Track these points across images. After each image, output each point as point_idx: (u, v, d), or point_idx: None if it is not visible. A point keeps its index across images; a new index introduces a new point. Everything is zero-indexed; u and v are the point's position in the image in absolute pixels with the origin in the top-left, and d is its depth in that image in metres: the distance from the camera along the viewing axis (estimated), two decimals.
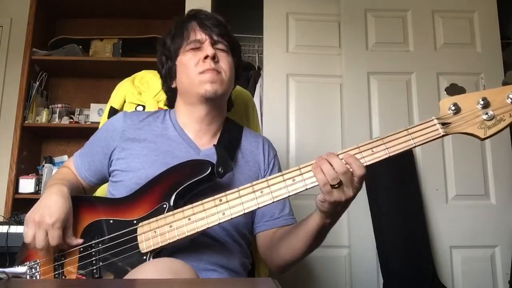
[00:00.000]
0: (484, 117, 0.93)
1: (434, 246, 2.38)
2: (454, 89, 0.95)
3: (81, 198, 1.13)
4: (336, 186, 0.91)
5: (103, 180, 1.26)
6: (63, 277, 1.03)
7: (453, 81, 2.46)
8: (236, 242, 1.16)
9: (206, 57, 1.15)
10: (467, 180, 2.46)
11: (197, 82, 1.16)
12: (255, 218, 1.21)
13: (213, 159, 1.10)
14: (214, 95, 1.15)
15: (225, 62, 1.19)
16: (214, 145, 1.18)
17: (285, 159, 2.46)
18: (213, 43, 1.18)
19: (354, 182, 0.92)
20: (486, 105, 0.93)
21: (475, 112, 0.93)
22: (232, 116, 1.40)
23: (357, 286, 2.38)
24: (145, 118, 1.24)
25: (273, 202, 0.96)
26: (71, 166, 1.27)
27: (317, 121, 2.57)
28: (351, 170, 0.92)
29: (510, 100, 0.92)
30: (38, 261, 1.06)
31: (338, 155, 0.94)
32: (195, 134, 1.21)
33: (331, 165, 0.92)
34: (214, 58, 1.16)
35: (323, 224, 1.00)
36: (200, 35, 1.18)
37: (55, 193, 1.06)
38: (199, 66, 1.16)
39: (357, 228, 2.40)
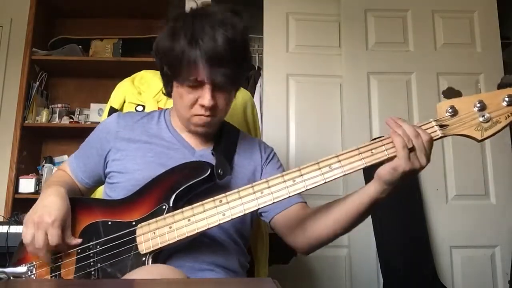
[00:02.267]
0: (481, 119, 0.95)
1: (434, 246, 2.39)
2: (451, 92, 0.97)
3: (78, 200, 1.13)
4: (410, 150, 0.93)
5: (99, 182, 1.25)
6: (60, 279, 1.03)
7: (453, 81, 2.49)
8: (233, 241, 1.15)
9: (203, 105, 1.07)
10: (467, 180, 2.46)
11: (189, 123, 1.13)
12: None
13: (209, 159, 1.10)
14: (205, 134, 1.17)
15: (222, 102, 1.10)
16: (211, 150, 1.17)
17: (285, 159, 2.46)
18: (215, 87, 1.06)
19: (426, 148, 0.93)
20: (483, 107, 0.95)
21: (472, 115, 0.96)
22: (232, 116, 1.40)
23: (357, 286, 2.38)
24: (140, 119, 1.23)
25: (274, 202, 0.97)
26: (66, 169, 1.26)
27: (317, 121, 2.57)
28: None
29: (506, 103, 0.94)
30: (34, 263, 1.05)
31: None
32: (190, 137, 1.20)
33: (403, 128, 0.94)
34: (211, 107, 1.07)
35: (377, 197, 1.00)
36: (201, 76, 1.03)
37: (53, 194, 1.06)
38: (194, 108, 1.09)
39: (357, 228, 2.37)
